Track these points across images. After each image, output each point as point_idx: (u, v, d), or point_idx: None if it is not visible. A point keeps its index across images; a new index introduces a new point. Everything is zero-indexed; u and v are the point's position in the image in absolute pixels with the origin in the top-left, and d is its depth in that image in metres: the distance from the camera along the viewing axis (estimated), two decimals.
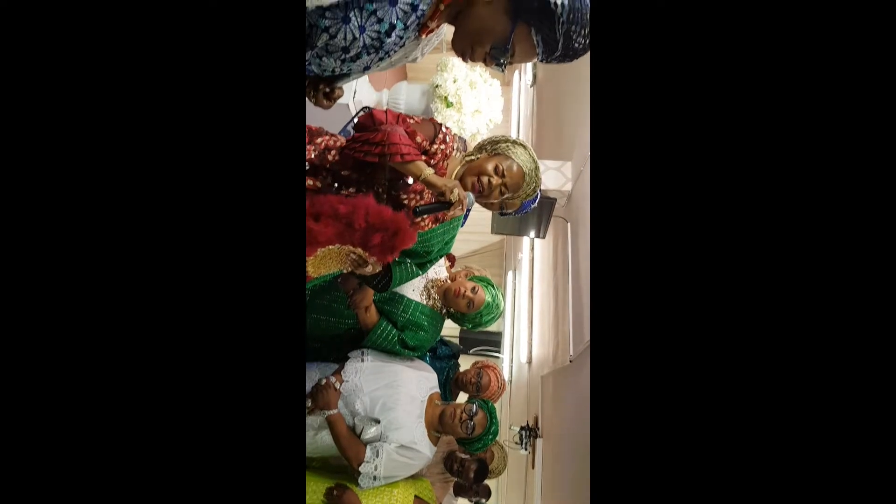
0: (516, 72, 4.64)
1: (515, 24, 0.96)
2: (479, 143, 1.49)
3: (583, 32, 0.94)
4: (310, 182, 1.35)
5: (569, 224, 2.63)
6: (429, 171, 1.28)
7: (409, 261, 1.55)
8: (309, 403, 1.58)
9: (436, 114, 2.89)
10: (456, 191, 1.27)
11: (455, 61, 2.86)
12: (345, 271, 1.36)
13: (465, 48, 1.02)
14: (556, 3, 0.92)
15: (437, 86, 2.88)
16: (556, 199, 2.60)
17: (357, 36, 0.94)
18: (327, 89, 1.13)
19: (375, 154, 1.25)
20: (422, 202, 1.41)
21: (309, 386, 1.61)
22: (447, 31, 1.06)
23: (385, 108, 2.95)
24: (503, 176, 1.41)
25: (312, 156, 1.38)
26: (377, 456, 1.54)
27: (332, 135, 1.47)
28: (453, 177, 1.42)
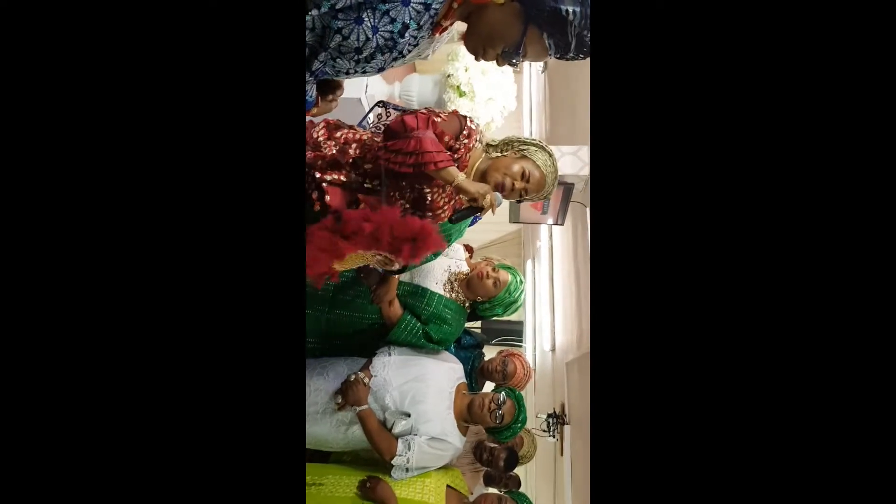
0: None
1: (527, 29, 0.96)
2: (506, 139, 1.48)
3: None
4: (334, 176, 1.36)
5: (587, 209, 2.61)
6: (461, 178, 1.29)
7: None
8: (339, 399, 1.60)
9: (449, 104, 2.88)
10: (489, 197, 1.29)
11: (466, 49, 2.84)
12: (370, 265, 1.38)
13: (477, 49, 1.02)
14: (567, 10, 0.92)
15: (448, 75, 2.87)
16: (573, 184, 2.58)
17: (370, 36, 0.94)
18: (323, 93, 1.15)
19: (410, 164, 1.26)
20: (444, 195, 1.41)
21: (338, 382, 1.63)
22: (458, 23, 1.06)
23: (398, 100, 2.95)
24: (528, 181, 1.42)
25: (334, 151, 1.39)
26: (409, 449, 1.56)
27: (352, 127, 1.47)
28: (475, 169, 1.42)
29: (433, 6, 0.93)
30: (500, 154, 1.45)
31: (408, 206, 1.42)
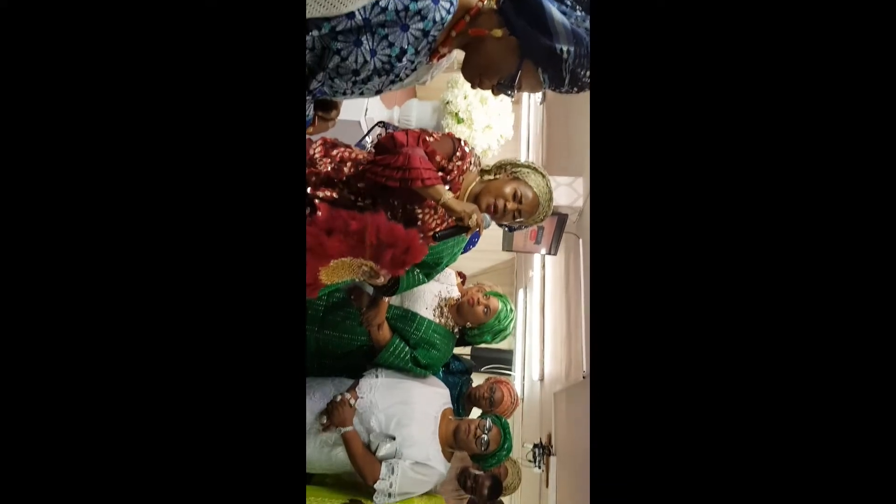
0: None
1: (522, 63, 0.98)
2: (498, 163, 1.49)
3: (589, 72, 0.97)
4: (326, 193, 1.36)
5: (581, 240, 2.63)
6: (448, 196, 1.29)
7: (416, 269, 1.57)
8: (324, 420, 1.58)
9: (447, 129, 2.92)
10: (475, 216, 1.28)
11: None
12: (357, 280, 1.38)
13: (473, 78, 1.05)
14: (562, 49, 0.95)
15: (447, 102, 2.92)
16: (567, 215, 2.60)
17: (368, 59, 0.96)
18: (321, 112, 1.16)
19: (396, 179, 1.26)
20: (436, 217, 1.42)
21: (324, 403, 1.62)
22: (458, 51, 1.09)
23: (396, 124, 2.99)
24: (520, 203, 1.41)
25: (329, 168, 1.40)
26: (392, 473, 1.54)
27: (348, 146, 1.48)
28: (468, 192, 1.43)
29: (431, 33, 0.96)
30: (492, 177, 1.46)
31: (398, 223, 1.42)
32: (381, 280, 1.31)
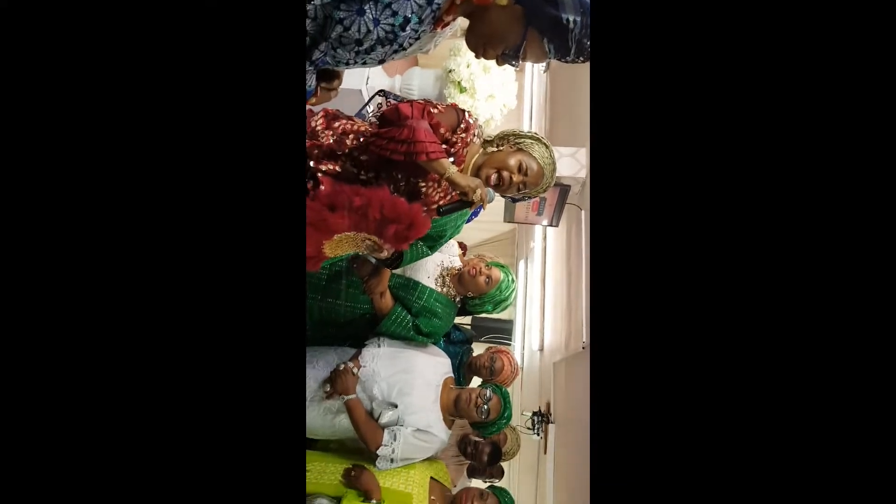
0: None
1: (527, 32, 0.97)
2: (502, 133, 1.46)
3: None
4: (329, 166, 1.35)
5: (583, 211, 2.63)
6: (453, 170, 1.28)
7: (420, 242, 1.57)
8: (327, 388, 1.61)
9: (449, 99, 2.88)
10: (479, 192, 1.28)
11: None
12: (361, 253, 1.38)
13: (477, 47, 1.03)
14: (568, 19, 0.93)
15: (450, 70, 2.87)
16: (570, 186, 2.59)
17: (371, 29, 0.95)
18: (324, 83, 1.15)
19: (401, 153, 1.25)
20: (440, 190, 1.42)
21: (327, 371, 1.64)
22: (462, 19, 1.07)
23: (398, 93, 2.95)
24: (526, 175, 1.40)
25: (331, 141, 1.38)
26: (394, 439, 1.57)
27: (350, 118, 1.47)
28: (472, 164, 1.42)
29: (435, 1, 0.94)
30: (496, 149, 1.44)
31: (402, 197, 1.42)
32: (385, 254, 1.32)
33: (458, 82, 2.83)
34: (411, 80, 2.99)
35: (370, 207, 1.19)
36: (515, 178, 1.39)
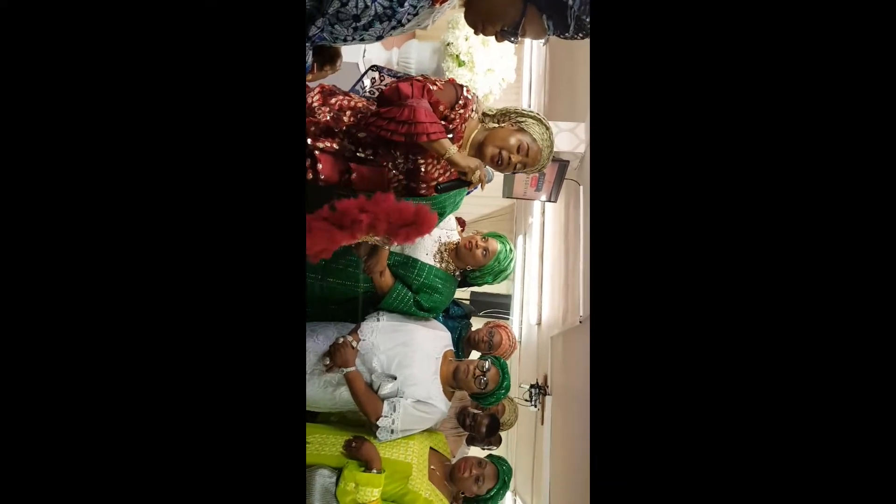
0: None
1: (526, 9, 0.96)
2: (503, 110, 1.46)
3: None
4: (326, 144, 1.35)
5: (581, 187, 2.63)
6: (453, 150, 1.29)
7: None
8: (327, 361, 1.64)
9: (447, 73, 2.85)
10: (478, 172, 1.29)
11: None
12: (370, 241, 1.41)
13: (476, 24, 1.03)
14: None
15: (448, 44, 2.84)
16: (569, 162, 2.58)
17: (369, 4, 0.94)
18: (328, 65, 1.15)
19: (402, 133, 1.25)
20: (438, 167, 1.42)
21: (327, 345, 1.67)
22: None
23: (396, 67, 2.91)
24: (525, 155, 1.41)
25: (328, 117, 1.38)
26: (394, 410, 1.60)
27: (346, 94, 1.46)
28: (471, 139, 1.42)
29: None
30: (496, 125, 1.44)
31: (401, 177, 1.42)
32: (393, 245, 1.34)
33: (457, 55, 2.80)
34: (409, 53, 2.95)
35: (378, 220, 1.21)
36: (514, 158, 1.39)
